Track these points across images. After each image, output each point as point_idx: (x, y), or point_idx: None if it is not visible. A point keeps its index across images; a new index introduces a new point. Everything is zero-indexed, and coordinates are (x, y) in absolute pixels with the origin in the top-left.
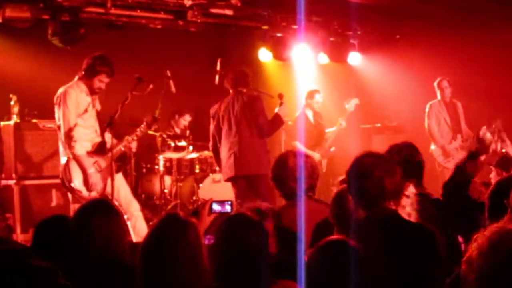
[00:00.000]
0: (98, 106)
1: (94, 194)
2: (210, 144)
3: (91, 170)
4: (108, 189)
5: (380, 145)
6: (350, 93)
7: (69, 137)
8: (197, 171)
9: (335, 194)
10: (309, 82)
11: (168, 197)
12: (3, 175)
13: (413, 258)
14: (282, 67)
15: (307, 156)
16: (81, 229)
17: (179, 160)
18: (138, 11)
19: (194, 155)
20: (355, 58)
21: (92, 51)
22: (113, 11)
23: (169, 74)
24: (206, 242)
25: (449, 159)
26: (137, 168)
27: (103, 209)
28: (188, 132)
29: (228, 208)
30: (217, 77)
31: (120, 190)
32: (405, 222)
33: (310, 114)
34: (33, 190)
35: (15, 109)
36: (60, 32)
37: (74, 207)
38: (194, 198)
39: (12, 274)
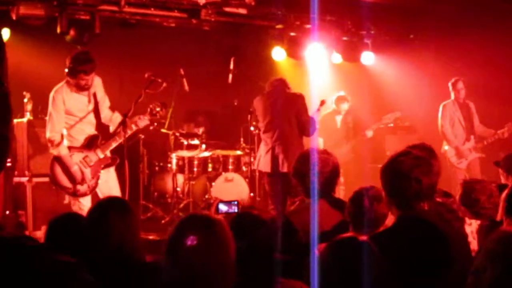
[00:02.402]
0: (101, 94)
1: (83, 189)
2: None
3: (75, 168)
4: (101, 185)
5: (393, 145)
6: (363, 93)
7: (50, 140)
8: (209, 169)
9: (354, 193)
10: (323, 81)
11: (181, 195)
12: (16, 172)
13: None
14: (296, 66)
15: (329, 153)
16: (96, 226)
17: (192, 159)
18: (152, 9)
19: (206, 153)
20: (368, 57)
21: (105, 49)
22: (127, 9)
23: (182, 72)
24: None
25: (462, 160)
26: (150, 166)
27: (119, 207)
28: (201, 130)
29: (234, 208)
30: (230, 76)
31: (112, 188)
32: (439, 224)
33: (338, 119)
34: (45, 187)
35: (29, 107)
36: (72, 31)
37: (70, 204)
38: (206, 196)
39: (39, 269)
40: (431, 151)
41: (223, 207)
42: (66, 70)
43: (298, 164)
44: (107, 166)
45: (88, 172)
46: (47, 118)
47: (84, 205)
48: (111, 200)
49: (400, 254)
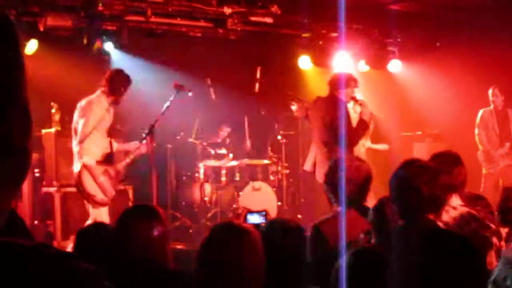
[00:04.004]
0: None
1: (106, 199)
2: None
3: (102, 178)
4: None
5: (420, 153)
6: (391, 100)
7: (82, 148)
8: (237, 178)
9: (377, 201)
10: None
11: (208, 205)
12: (44, 183)
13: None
14: (322, 74)
15: (361, 161)
16: (122, 233)
17: (219, 168)
18: (178, 19)
19: (234, 162)
20: (395, 65)
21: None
22: (153, 19)
23: (209, 82)
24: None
25: (493, 165)
26: (177, 176)
27: (146, 214)
28: (228, 140)
29: (262, 218)
30: (257, 85)
31: None
32: (445, 233)
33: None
34: (73, 197)
35: (56, 117)
36: (99, 42)
37: (91, 211)
38: (234, 206)
39: (58, 276)
40: (456, 158)
41: (251, 217)
42: (108, 90)
43: (329, 171)
44: (120, 181)
45: (110, 183)
46: (81, 126)
47: (102, 213)
48: (139, 206)
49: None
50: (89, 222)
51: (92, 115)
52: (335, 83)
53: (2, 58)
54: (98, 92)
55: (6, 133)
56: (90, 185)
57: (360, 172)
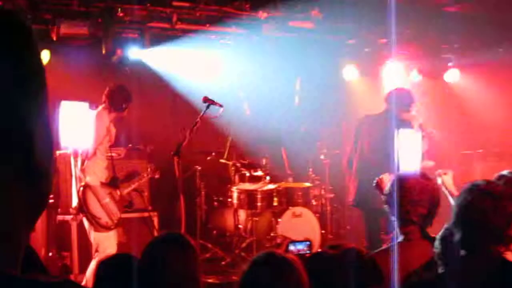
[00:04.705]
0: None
1: (110, 223)
2: (345, 160)
3: (107, 200)
4: None
5: (482, 174)
6: (448, 114)
7: (85, 167)
8: (275, 204)
9: (443, 230)
10: None
11: (243, 233)
12: (59, 210)
13: None
14: (370, 86)
15: (428, 179)
16: (151, 266)
17: (255, 192)
18: (207, 25)
19: (271, 186)
20: (452, 74)
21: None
22: (179, 25)
23: (242, 95)
24: None
25: None
26: (208, 201)
27: (178, 243)
28: (264, 160)
29: (305, 248)
30: (296, 98)
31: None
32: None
33: None
34: None
35: None
36: (119, 51)
37: (93, 235)
38: (272, 234)
39: None
40: None
41: (293, 248)
42: (111, 106)
43: (391, 189)
44: (124, 208)
45: (115, 206)
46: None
47: (107, 238)
48: (169, 236)
49: None
50: (93, 248)
51: (96, 129)
52: (395, 100)
53: (22, 68)
54: (100, 108)
55: (27, 153)
56: (94, 206)
57: (423, 193)
